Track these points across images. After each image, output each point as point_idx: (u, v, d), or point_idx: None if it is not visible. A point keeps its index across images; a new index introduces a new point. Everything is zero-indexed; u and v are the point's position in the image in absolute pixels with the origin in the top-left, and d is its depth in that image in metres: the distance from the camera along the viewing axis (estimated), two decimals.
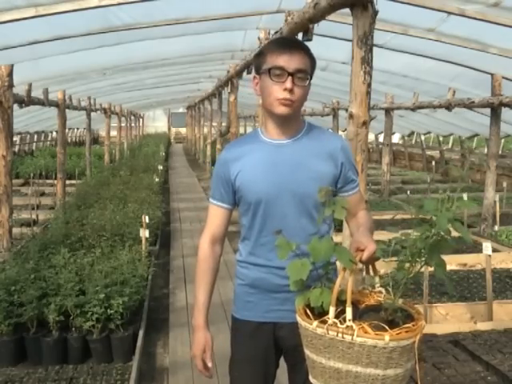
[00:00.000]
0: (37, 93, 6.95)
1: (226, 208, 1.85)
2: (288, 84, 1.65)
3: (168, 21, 4.99)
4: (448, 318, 3.99)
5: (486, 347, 3.48)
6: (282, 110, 1.69)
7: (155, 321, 4.41)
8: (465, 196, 5.77)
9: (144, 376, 3.49)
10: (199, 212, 9.26)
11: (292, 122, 1.76)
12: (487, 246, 3.91)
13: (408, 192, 9.41)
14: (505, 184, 8.41)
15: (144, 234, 5.01)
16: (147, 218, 5.13)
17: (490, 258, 3.95)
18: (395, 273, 1.46)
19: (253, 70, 1.84)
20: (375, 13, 2.69)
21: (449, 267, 5.06)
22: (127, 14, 4.57)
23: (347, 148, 1.83)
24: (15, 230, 5.87)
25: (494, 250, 4.90)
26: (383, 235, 3.80)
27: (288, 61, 1.65)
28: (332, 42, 5.76)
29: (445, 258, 1.46)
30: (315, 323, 1.38)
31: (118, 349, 3.61)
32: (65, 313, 3.56)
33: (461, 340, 3.59)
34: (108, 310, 3.55)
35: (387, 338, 1.31)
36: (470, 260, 5.36)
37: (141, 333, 3.80)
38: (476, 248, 5.81)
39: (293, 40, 1.84)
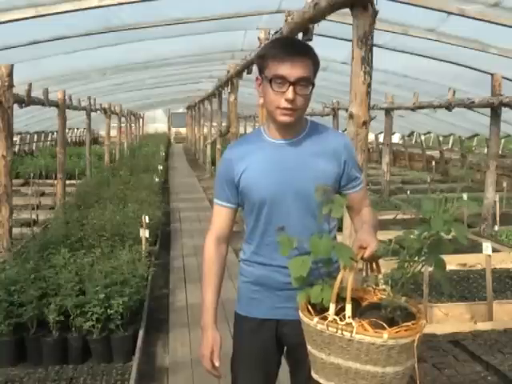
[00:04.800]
0: (37, 93, 6.94)
1: (230, 208, 1.84)
2: (289, 95, 1.62)
3: (168, 21, 5.00)
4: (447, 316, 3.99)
5: (485, 347, 3.48)
6: (283, 119, 1.68)
7: (155, 321, 4.41)
8: (465, 196, 5.78)
9: (144, 376, 3.48)
10: (199, 212, 9.25)
11: (295, 124, 1.75)
12: (487, 246, 3.91)
13: (408, 192, 9.41)
14: (505, 184, 8.39)
15: (144, 234, 5.01)
16: (147, 218, 5.13)
17: (490, 258, 3.95)
18: (394, 272, 1.46)
19: (255, 70, 1.82)
20: (375, 13, 2.68)
21: (449, 267, 5.05)
22: (127, 14, 4.58)
23: (350, 146, 1.84)
24: (15, 230, 5.85)
25: (494, 250, 4.89)
26: (385, 235, 3.80)
27: (290, 70, 1.61)
28: (332, 42, 5.77)
29: (445, 257, 1.46)
30: (316, 319, 1.40)
31: (118, 349, 3.61)
32: (65, 313, 3.56)
33: (461, 340, 3.59)
34: (108, 310, 3.55)
35: (386, 335, 1.32)
36: (470, 260, 5.35)
37: (141, 333, 3.80)
38: (476, 248, 5.80)
39: (295, 43, 1.75)
